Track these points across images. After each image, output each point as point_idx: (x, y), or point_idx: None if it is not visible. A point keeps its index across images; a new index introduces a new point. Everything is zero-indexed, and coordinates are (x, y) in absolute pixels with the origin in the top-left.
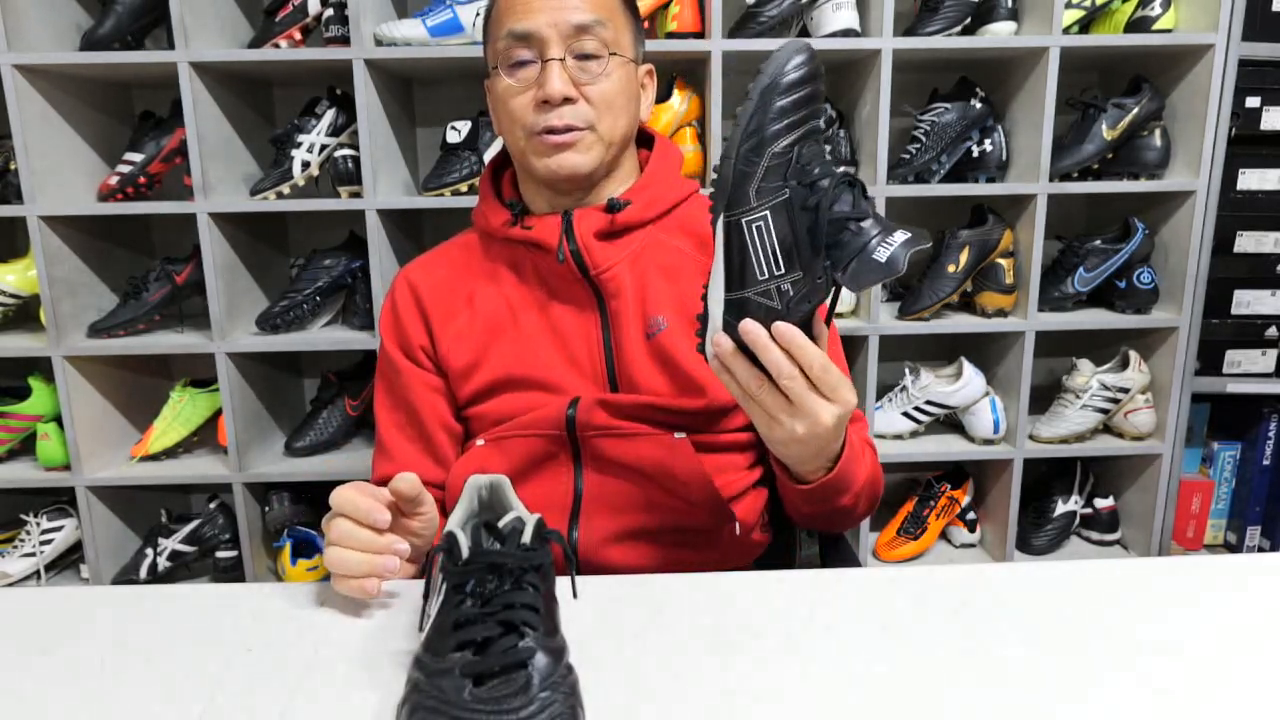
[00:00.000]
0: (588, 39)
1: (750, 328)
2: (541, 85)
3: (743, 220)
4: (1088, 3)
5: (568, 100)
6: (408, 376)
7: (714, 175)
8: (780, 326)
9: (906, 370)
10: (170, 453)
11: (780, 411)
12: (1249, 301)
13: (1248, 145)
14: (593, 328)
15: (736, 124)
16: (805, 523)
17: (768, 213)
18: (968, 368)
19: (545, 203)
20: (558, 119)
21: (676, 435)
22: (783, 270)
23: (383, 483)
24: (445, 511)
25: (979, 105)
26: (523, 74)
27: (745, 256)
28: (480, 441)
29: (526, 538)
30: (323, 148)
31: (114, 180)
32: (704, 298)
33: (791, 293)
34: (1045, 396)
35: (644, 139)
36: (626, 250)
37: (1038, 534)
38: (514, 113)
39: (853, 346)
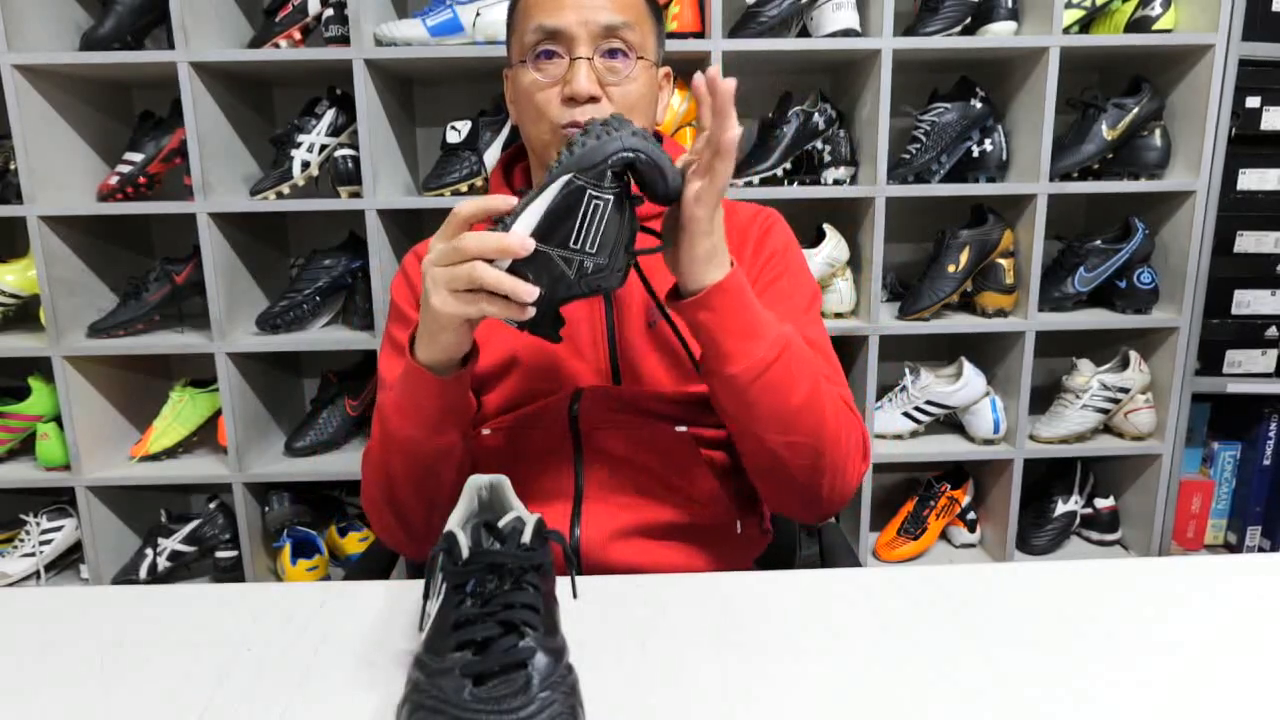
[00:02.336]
0: (616, 40)
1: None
2: (569, 82)
3: (589, 190)
4: (1088, 3)
5: (592, 99)
6: None
7: (585, 130)
8: None
9: (906, 370)
10: (170, 453)
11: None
12: (1249, 301)
13: (1248, 145)
14: (597, 317)
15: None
16: (767, 435)
17: (611, 199)
18: (968, 368)
19: None
20: (581, 115)
21: (678, 429)
22: (594, 251)
23: None
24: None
25: (979, 105)
26: (550, 69)
27: (568, 220)
28: (486, 431)
29: (526, 538)
30: (323, 148)
31: (114, 180)
32: (501, 222)
33: (590, 270)
34: (1045, 396)
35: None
36: None
37: (1038, 534)
38: (539, 106)
39: (853, 346)
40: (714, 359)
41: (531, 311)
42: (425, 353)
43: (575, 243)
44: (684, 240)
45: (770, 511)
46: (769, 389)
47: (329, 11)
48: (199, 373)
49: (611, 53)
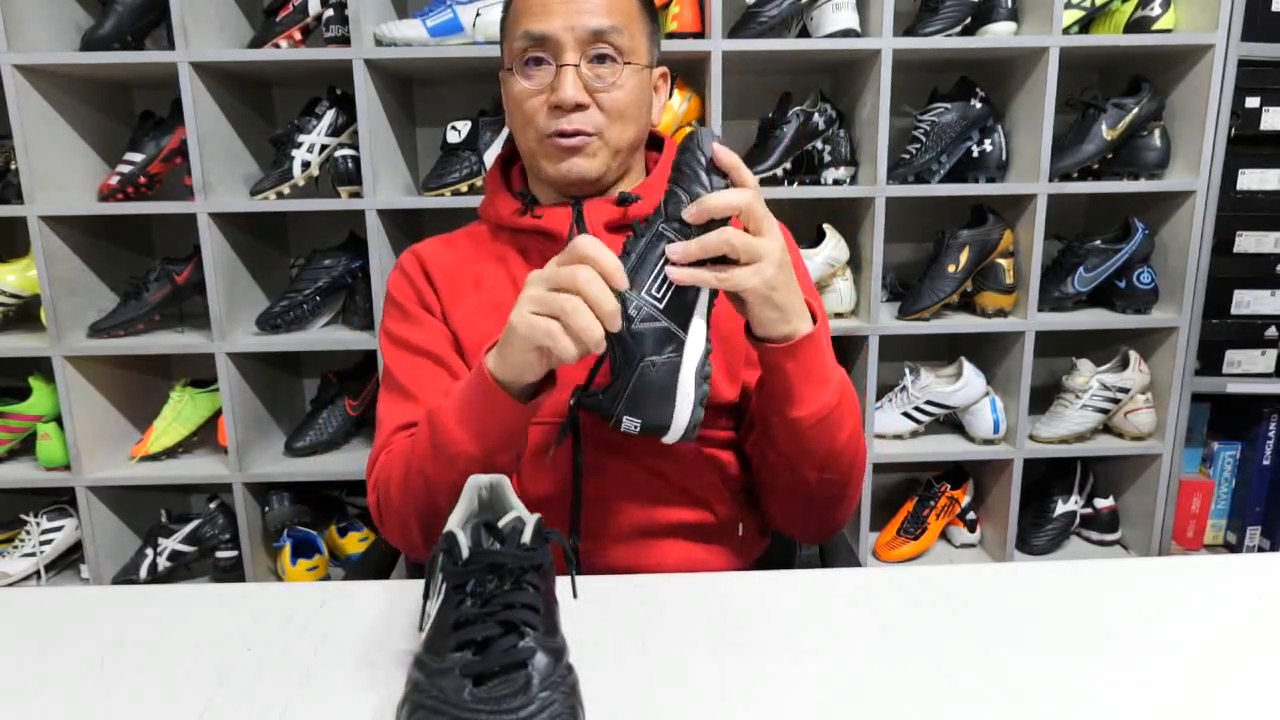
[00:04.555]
0: (604, 45)
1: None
2: (555, 90)
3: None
4: (1088, 3)
5: (579, 106)
6: (429, 328)
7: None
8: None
9: (906, 370)
10: (170, 453)
11: (750, 249)
12: (1249, 301)
13: (1247, 145)
14: None
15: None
16: (807, 470)
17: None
18: (968, 368)
19: (553, 197)
20: (568, 124)
21: None
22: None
23: (404, 428)
24: None
25: (979, 105)
26: (537, 76)
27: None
28: None
29: (526, 538)
30: (323, 148)
31: (114, 180)
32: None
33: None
34: (1045, 396)
35: (653, 141)
36: None
37: (1038, 534)
38: (527, 114)
39: (853, 346)
40: (783, 401)
41: (574, 354)
42: (500, 369)
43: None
44: (749, 306)
45: (777, 529)
46: (825, 431)
47: (329, 11)
48: (199, 373)
49: (600, 58)
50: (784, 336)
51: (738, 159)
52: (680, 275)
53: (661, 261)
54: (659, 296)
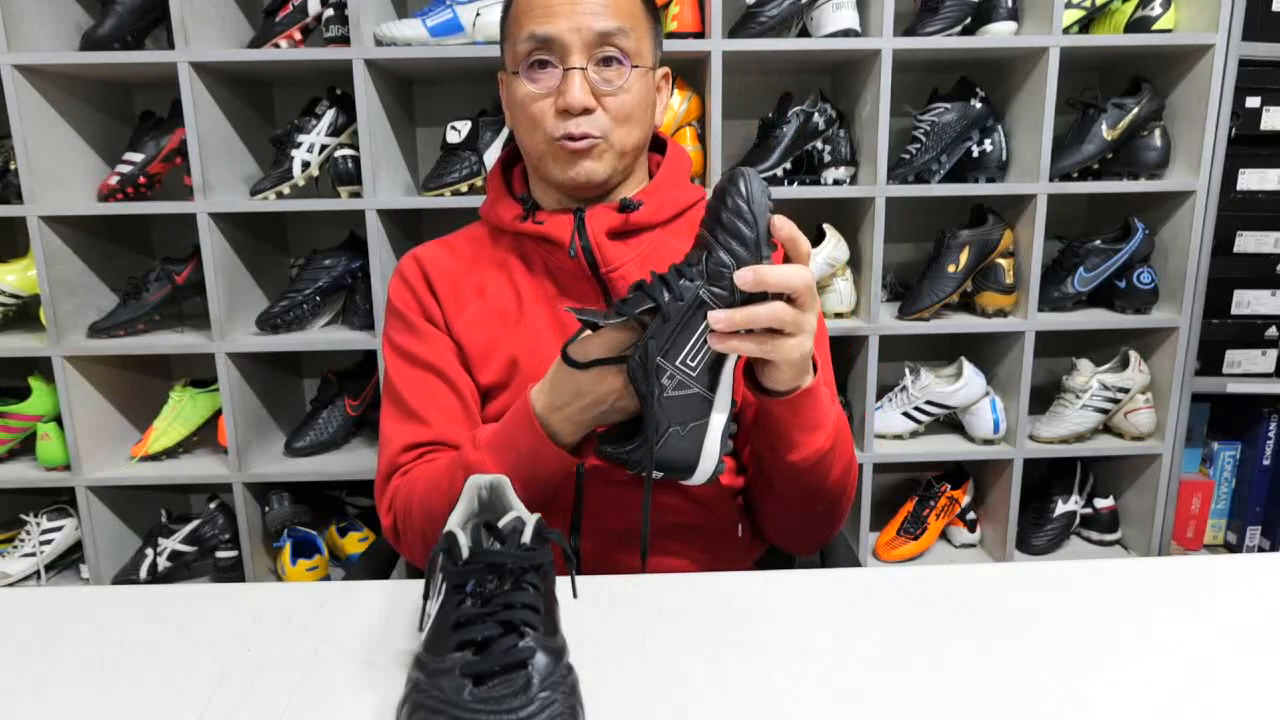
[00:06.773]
0: (610, 47)
1: (745, 275)
2: (562, 93)
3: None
4: (1088, 3)
5: (586, 110)
6: (433, 341)
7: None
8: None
9: (906, 370)
10: (170, 453)
11: (798, 324)
12: (1249, 301)
13: (1248, 145)
14: None
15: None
16: (796, 503)
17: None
18: (968, 368)
19: (556, 201)
20: (575, 127)
21: None
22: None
23: (410, 449)
24: None
25: (979, 105)
26: (543, 79)
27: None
28: None
29: (526, 537)
30: (323, 148)
31: (114, 180)
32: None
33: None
34: (1045, 396)
35: (655, 142)
36: (636, 251)
37: (1038, 534)
38: (534, 118)
39: (853, 346)
40: (779, 445)
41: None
42: (571, 426)
43: (678, 360)
44: (771, 365)
45: (770, 541)
46: (818, 472)
47: (329, 11)
48: (199, 373)
49: (606, 60)
50: (786, 390)
51: (795, 228)
52: (725, 346)
53: (703, 329)
54: (694, 364)
